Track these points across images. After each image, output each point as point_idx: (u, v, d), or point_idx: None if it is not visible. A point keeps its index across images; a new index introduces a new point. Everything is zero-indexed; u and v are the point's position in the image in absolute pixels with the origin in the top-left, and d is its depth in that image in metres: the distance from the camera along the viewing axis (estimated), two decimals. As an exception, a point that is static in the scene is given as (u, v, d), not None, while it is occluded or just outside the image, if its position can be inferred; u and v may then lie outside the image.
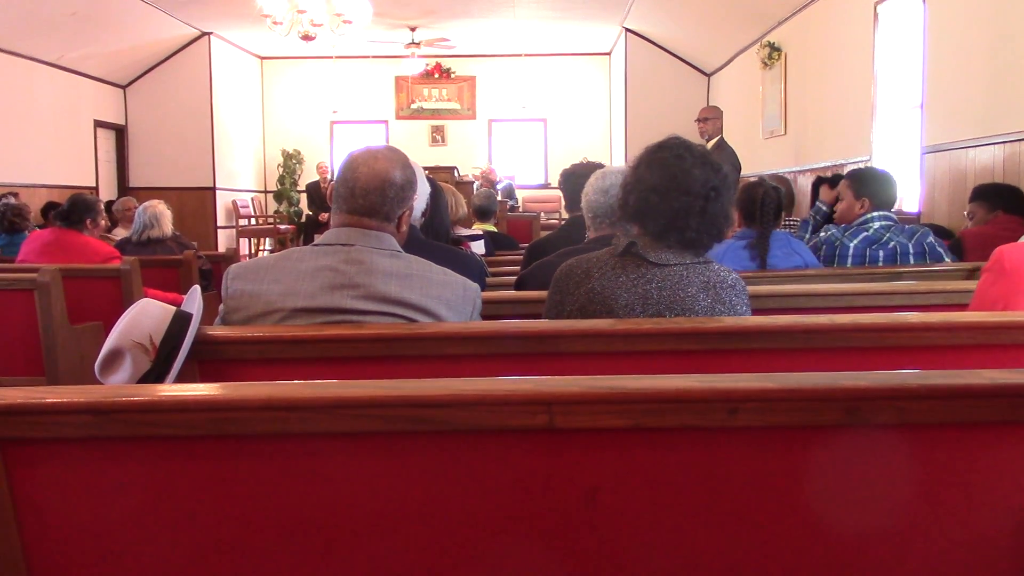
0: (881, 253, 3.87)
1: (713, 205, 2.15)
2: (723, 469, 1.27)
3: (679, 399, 1.23)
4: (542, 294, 2.51)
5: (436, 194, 3.44)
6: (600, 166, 3.53)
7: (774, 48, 10.18)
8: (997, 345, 2.09)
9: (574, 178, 4.15)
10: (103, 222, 5.95)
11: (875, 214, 3.93)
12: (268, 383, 1.33)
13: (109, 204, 8.09)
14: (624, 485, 1.26)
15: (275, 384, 1.31)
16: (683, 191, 2.14)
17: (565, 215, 3.75)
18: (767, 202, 3.69)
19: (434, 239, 3.23)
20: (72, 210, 5.54)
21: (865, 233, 3.90)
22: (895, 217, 4.00)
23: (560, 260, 2.51)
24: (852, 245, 3.88)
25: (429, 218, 3.26)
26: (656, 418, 1.23)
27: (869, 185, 4.00)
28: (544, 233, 6.52)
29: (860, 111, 7.80)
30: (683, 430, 1.24)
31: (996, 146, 5.52)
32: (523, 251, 4.43)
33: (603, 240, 2.75)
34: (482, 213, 6.81)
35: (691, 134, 7.75)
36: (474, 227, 5.94)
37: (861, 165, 7.70)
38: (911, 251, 3.87)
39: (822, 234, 4.06)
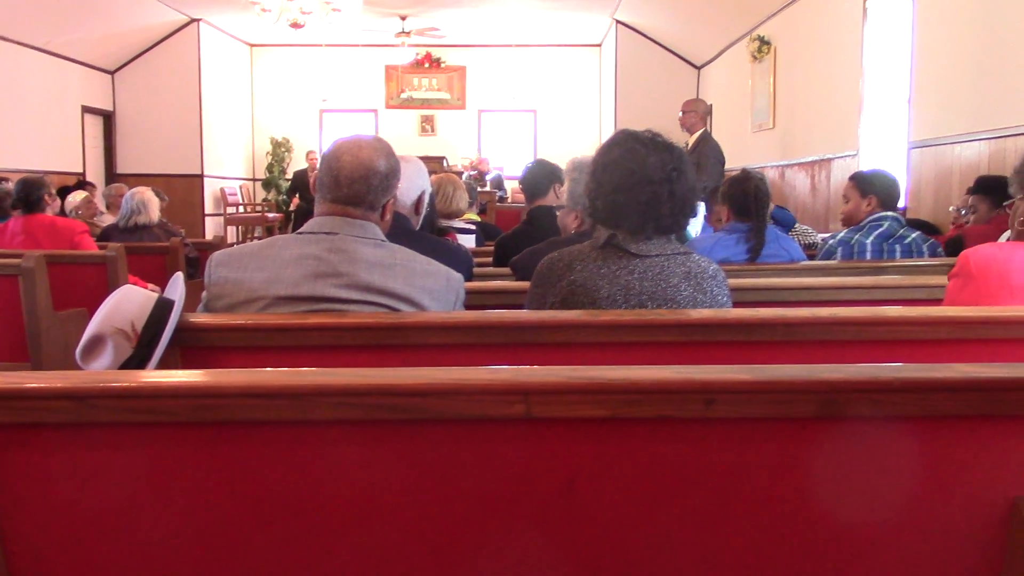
0: (898, 248, 3.87)
1: (678, 185, 2.16)
2: (700, 460, 1.27)
3: (656, 390, 1.23)
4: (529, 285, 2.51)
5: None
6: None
7: (764, 41, 10.19)
8: (976, 340, 2.11)
9: (539, 171, 4.18)
10: (56, 197, 5.95)
11: (886, 214, 3.92)
12: (248, 370, 1.33)
13: (63, 191, 8.02)
14: (602, 475, 1.27)
15: (255, 371, 1.31)
16: (646, 182, 2.14)
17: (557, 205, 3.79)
18: (759, 195, 3.70)
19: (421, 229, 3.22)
20: (28, 192, 5.52)
21: (880, 229, 3.89)
22: (903, 220, 4.00)
23: (552, 249, 2.51)
24: (868, 242, 3.88)
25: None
26: (633, 408, 1.24)
27: (874, 183, 4.01)
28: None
29: (848, 105, 7.82)
30: (660, 421, 1.25)
31: (981, 142, 5.55)
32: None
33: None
34: None
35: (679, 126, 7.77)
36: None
37: (848, 160, 7.73)
38: (925, 252, 3.89)
39: (831, 240, 4.06)
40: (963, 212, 5.16)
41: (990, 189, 4.69)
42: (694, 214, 2.25)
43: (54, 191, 5.84)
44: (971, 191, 4.87)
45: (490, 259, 4.12)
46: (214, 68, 14.33)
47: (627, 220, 2.16)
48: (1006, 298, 2.38)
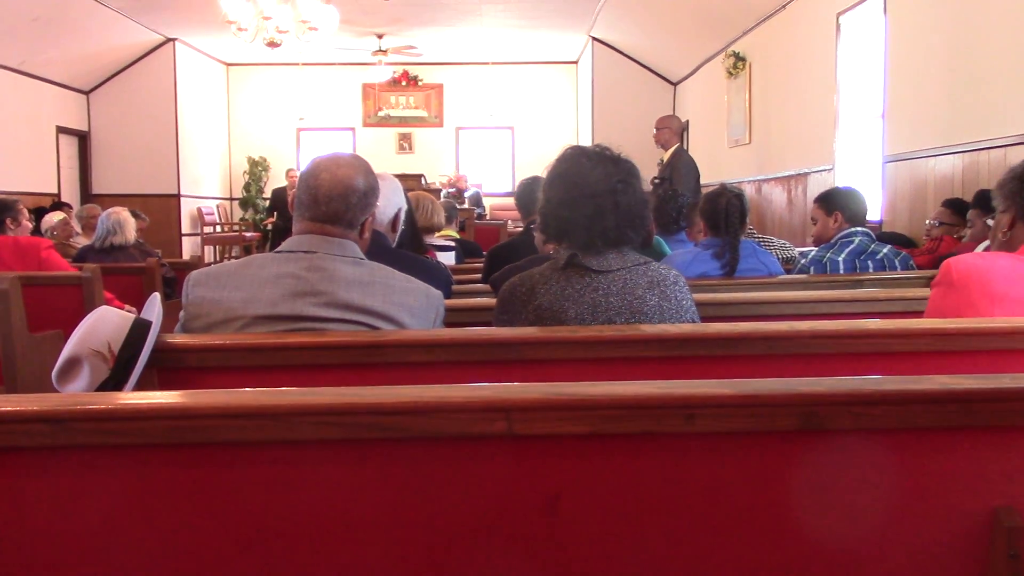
0: (871, 263, 3.85)
1: (624, 197, 2.15)
2: (682, 475, 1.27)
3: (637, 405, 1.23)
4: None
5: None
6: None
7: (739, 58, 10.27)
8: (954, 352, 2.12)
9: (529, 188, 4.23)
10: (25, 221, 5.84)
11: (856, 229, 3.91)
12: (226, 391, 1.32)
13: (39, 212, 7.95)
14: (584, 491, 1.26)
15: (233, 392, 1.30)
16: (588, 195, 2.14)
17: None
18: (731, 210, 3.72)
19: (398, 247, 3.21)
20: None
21: (851, 246, 3.88)
22: (873, 235, 4.00)
23: (532, 266, 2.51)
24: (840, 259, 3.86)
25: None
26: (614, 424, 1.23)
27: (837, 200, 4.01)
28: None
29: (823, 120, 7.88)
30: (641, 436, 1.25)
31: (955, 155, 5.61)
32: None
33: None
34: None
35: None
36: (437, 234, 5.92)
37: (824, 174, 7.79)
38: (898, 266, 3.88)
39: (802, 260, 4.04)
40: (937, 224, 5.19)
41: (987, 204, 4.57)
42: (645, 228, 2.24)
43: (26, 214, 5.75)
44: (971, 205, 4.77)
45: (471, 276, 4.13)
46: (190, 87, 14.29)
47: (574, 235, 2.16)
48: (987, 306, 2.39)
